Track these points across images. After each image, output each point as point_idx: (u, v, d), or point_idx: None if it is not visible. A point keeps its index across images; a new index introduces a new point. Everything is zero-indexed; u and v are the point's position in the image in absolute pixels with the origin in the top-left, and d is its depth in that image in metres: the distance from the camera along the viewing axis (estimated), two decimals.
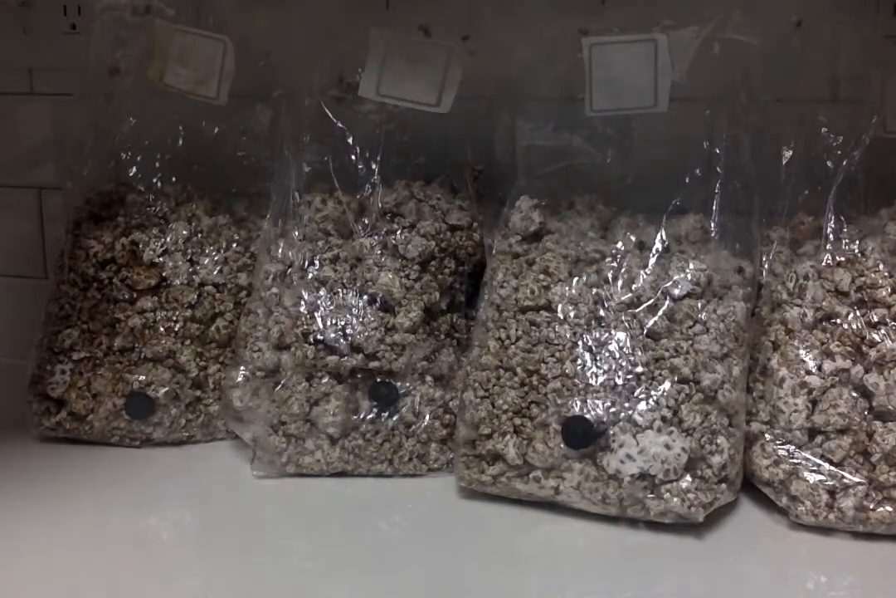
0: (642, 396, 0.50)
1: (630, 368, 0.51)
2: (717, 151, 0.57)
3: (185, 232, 0.63)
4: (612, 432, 0.50)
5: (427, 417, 0.57)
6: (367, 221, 0.60)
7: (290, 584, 0.46)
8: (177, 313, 0.61)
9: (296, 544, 0.50)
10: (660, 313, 0.52)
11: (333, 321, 0.57)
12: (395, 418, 0.57)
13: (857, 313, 0.52)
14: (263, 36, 0.66)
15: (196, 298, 0.62)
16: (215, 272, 0.63)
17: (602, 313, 0.53)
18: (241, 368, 0.58)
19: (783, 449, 0.51)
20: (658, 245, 0.55)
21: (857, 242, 0.54)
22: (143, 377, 0.60)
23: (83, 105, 0.66)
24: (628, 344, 0.52)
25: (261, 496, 0.55)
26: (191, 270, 0.62)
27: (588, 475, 0.50)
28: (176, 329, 0.61)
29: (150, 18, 0.65)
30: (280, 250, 0.60)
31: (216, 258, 0.63)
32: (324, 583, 0.46)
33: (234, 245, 0.64)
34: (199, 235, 0.63)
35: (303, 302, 0.57)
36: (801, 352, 0.52)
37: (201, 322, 0.62)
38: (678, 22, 0.56)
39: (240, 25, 0.65)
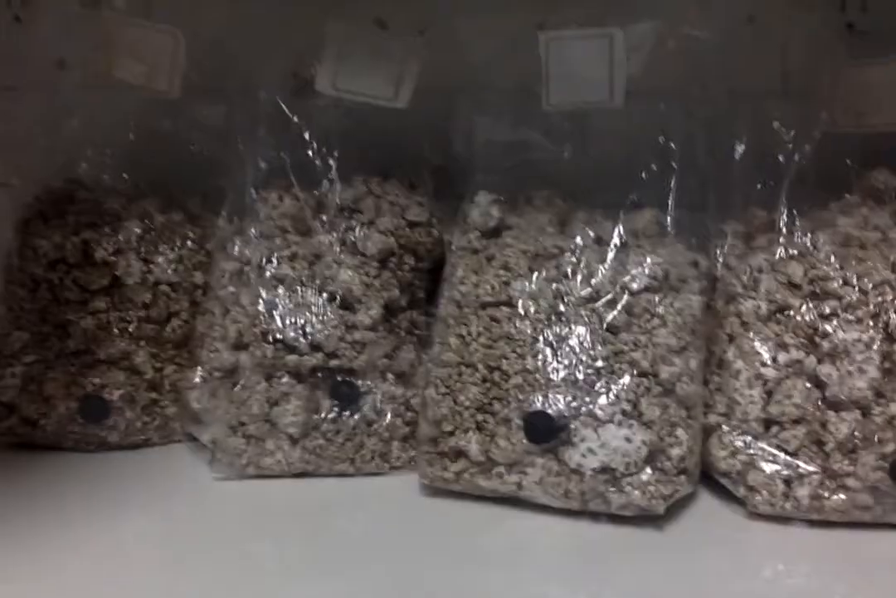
0: (603, 390, 0.51)
1: (590, 362, 0.52)
2: (673, 146, 0.58)
3: (137, 230, 0.62)
4: (573, 426, 0.50)
5: (389, 415, 0.57)
6: (325, 218, 0.59)
7: (252, 587, 0.45)
8: (131, 313, 0.60)
9: (258, 546, 0.49)
10: (619, 307, 0.53)
11: (292, 320, 0.56)
12: (356, 417, 0.56)
13: (810, 305, 0.53)
14: (216, 29, 0.64)
15: (150, 297, 0.61)
16: (170, 271, 0.61)
17: (562, 307, 0.53)
18: (199, 368, 0.58)
19: (740, 440, 0.52)
20: (616, 240, 0.55)
21: (809, 235, 0.55)
22: (97, 380, 0.59)
23: (29, 99, 0.64)
24: (588, 339, 0.52)
25: (221, 499, 0.54)
26: (144, 269, 0.61)
27: (550, 470, 0.51)
28: (130, 330, 0.60)
29: (97, 10, 0.64)
30: (236, 248, 0.59)
31: (170, 257, 0.62)
32: (287, 585, 0.46)
33: (189, 243, 0.63)
34: (153, 233, 0.62)
35: (261, 301, 0.57)
36: (756, 344, 0.53)
37: (156, 322, 0.61)
38: (634, 17, 0.57)
39: (191, 18, 0.64)
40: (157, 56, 0.62)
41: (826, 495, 0.50)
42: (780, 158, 0.58)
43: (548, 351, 0.52)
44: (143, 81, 0.63)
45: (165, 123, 0.65)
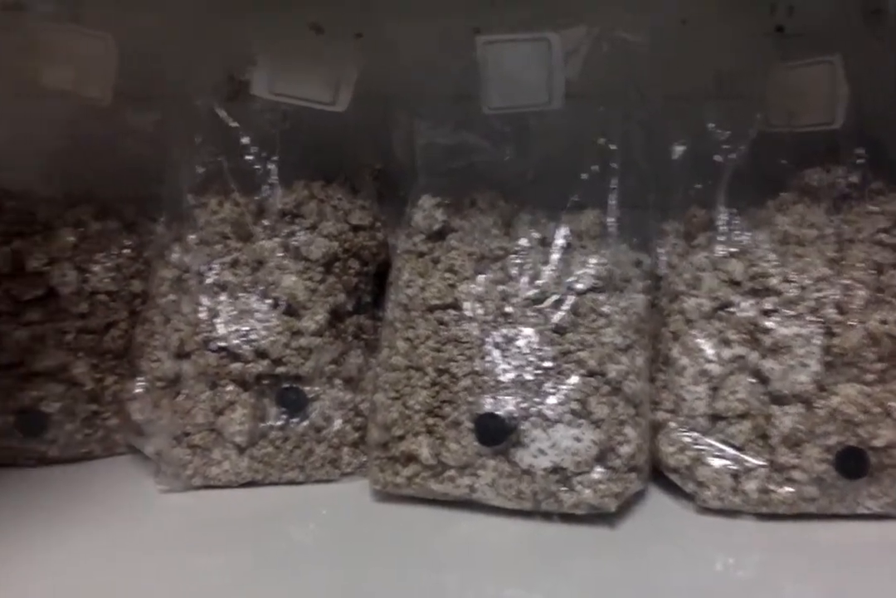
0: (551, 390, 0.51)
1: (538, 363, 0.52)
2: (613, 147, 0.58)
3: (71, 238, 0.60)
4: (523, 427, 0.50)
5: (338, 421, 0.56)
6: (266, 223, 0.58)
7: None
8: (67, 323, 0.58)
9: (206, 559, 0.48)
10: (565, 307, 0.53)
11: (236, 327, 0.55)
12: (304, 424, 0.55)
13: (751, 302, 0.53)
14: (149, 33, 0.63)
15: (87, 307, 0.59)
16: (107, 280, 0.60)
17: (509, 309, 0.53)
18: (140, 379, 0.56)
19: (687, 436, 0.52)
20: (560, 241, 0.56)
21: (748, 233, 0.56)
22: (35, 393, 0.57)
23: None
24: (536, 339, 0.52)
25: (166, 511, 0.53)
26: (80, 278, 0.59)
27: (502, 472, 0.50)
28: (67, 341, 0.58)
29: (22, 15, 0.62)
30: (175, 255, 0.58)
31: (107, 265, 0.60)
32: (238, 597, 0.45)
33: (126, 251, 0.61)
34: (88, 242, 0.60)
35: (202, 308, 0.55)
36: (700, 341, 0.54)
37: (94, 332, 0.59)
38: (570, 20, 0.57)
39: (122, 22, 0.62)
40: (87, 62, 0.61)
41: (773, 488, 0.51)
42: (717, 157, 0.59)
43: (496, 353, 0.52)
44: (74, 88, 0.61)
45: (98, 131, 0.63)
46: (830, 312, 0.52)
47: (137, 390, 0.56)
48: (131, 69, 0.61)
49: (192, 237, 0.58)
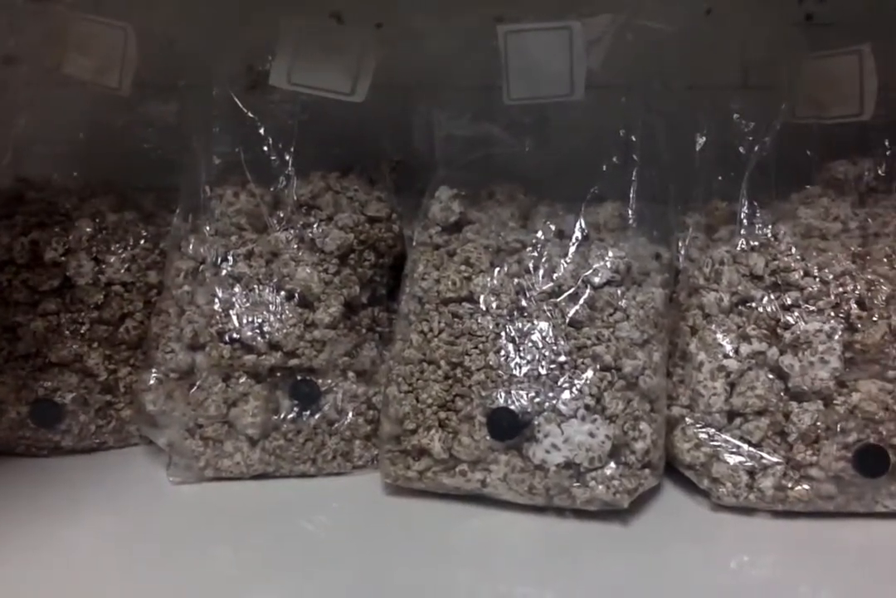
0: (566, 385, 0.50)
1: (553, 357, 0.51)
2: (634, 139, 0.57)
3: (89, 229, 0.60)
4: (536, 422, 0.50)
5: (350, 413, 0.56)
6: (282, 215, 0.58)
7: (214, 592, 0.45)
8: (83, 314, 0.58)
9: (218, 550, 0.48)
10: (581, 301, 0.52)
11: (250, 319, 0.55)
12: (317, 417, 0.55)
13: (772, 297, 0.52)
14: (168, 23, 0.63)
15: (103, 298, 0.59)
16: (123, 271, 0.60)
17: (524, 302, 0.53)
18: (154, 370, 0.56)
19: (703, 432, 0.52)
20: (577, 234, 0.55)
21: (770, 226, 0.55)
22: (49, 383, 0.57)
23: None
24: (551, 333, 0.52)
25: (179, 503, 0.53)
26: (96, 269, 0.59)
27: (514, 467, 0.50)
28: (82, 332, 0.58)
29: (45, 5, 0.62)
30: (191, 247, 0.58)
31: (123, 256, 0.60)
32: (249, 589, 0.45)
33: (143, 242, 0.61)
34: (105, 233, 0.60)
35: (217, 300, 0.55)
36: (719, 336, 0.53)
37: (109, 323, 0.59)
38: (592, 9, 0.56)
39: (142, 12, 0.62)
40: (107, 52, 0.61)
41: (790, 485, 0.50)
42: (741, 149, 0.58)
43: (510, 347, 0.52)
44: (93, 77, 0.61)
45: (117, 121, 0.64)
46: (853, 307, 0.51)
47: (151, 382, 0.56)
48: (151, 59, 0.62)
49: (207, 228, 0.58)
